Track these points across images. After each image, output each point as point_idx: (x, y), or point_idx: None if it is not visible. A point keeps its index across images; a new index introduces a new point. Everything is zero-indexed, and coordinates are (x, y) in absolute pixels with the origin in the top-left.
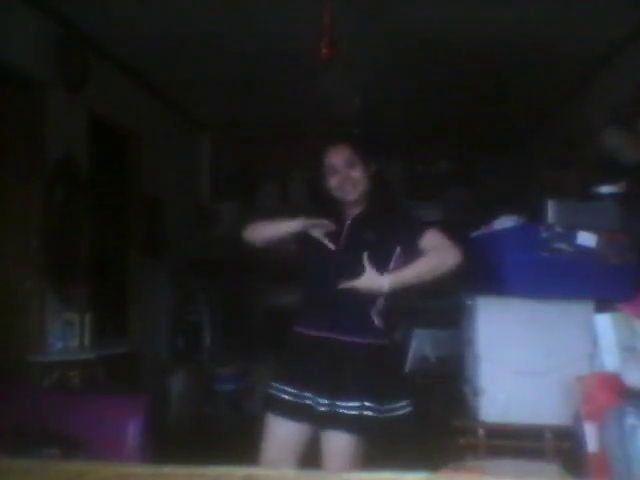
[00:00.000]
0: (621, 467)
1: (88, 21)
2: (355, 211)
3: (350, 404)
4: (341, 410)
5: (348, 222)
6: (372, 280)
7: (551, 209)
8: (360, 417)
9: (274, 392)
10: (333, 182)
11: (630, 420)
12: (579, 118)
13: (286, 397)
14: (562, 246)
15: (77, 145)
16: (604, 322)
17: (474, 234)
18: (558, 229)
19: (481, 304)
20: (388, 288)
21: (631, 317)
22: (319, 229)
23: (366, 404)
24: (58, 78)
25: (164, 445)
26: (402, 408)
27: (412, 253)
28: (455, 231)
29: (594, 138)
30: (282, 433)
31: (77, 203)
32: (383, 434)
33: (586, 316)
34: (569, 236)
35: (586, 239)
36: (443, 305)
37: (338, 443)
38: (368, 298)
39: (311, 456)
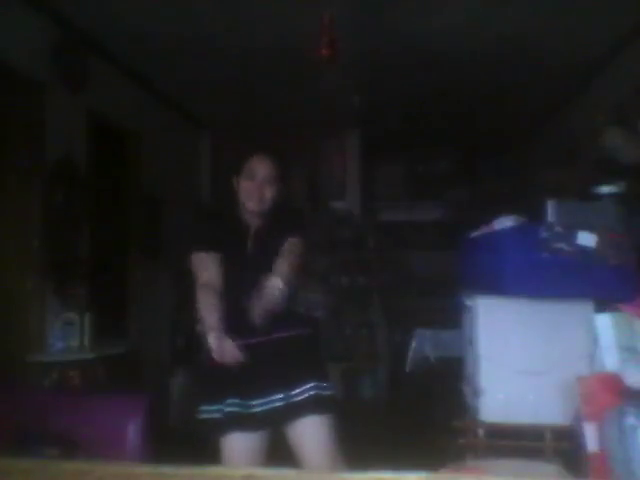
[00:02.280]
0: (621, 467)
1: (88, 21)
2: (258, 221)
3: (304, 388)
4: (298, 397)
5: (251, 233)
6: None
7: (551, 209)
8: (317, 396)
9: (219, 415)
10: (246, 187)
11: (630, 420)
12: (579, 118)
13: (237, 409)
14: (562, 246)
15: (77, 145)
16: (604, 322)
17: (474, 234)
18: (558, 229)
19: (481, 304)
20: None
21: (631, 317)
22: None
23: (317, 384)
24: (58, 78)
25: (164, 445)
26: (332, 388)
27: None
28: (455, 231)
29: (594, 138)
30: (245, 448)
31: (77, 203)
32: (338, 410)
33: (586, 316)
34: (569, 236)
35: (586, 239)
36: (443, 305)
37: (310, 428)
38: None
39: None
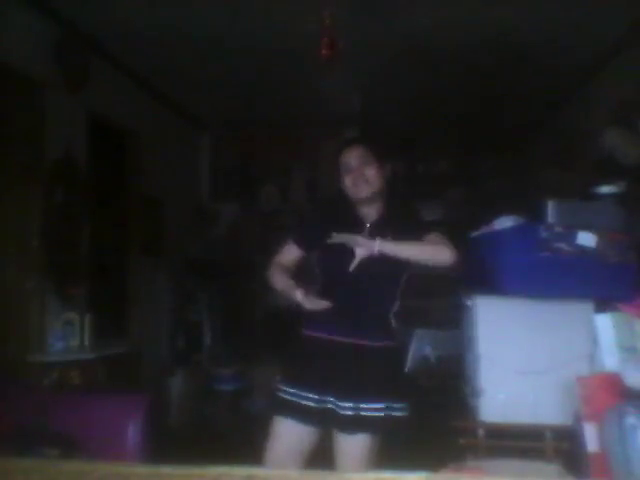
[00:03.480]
0: (621, 467)
1: (88, 21)
2: (372, 213)
3: (375, 406)
4: (365, 412)
5: (367, 226)
6: (366, 244)
7: (551, 209)
8: (386, 418)
9: (289, 397)
10: (347, 180)
11: (630, 420)
12: (579, 118)
13: (306, 403)
14: (562, 246)
15: (77, 145)
16: (604, 322)
17: (474, 234)
18: (558, 229)
19: (481, 304)
20: (378, 250)
21: (631, 317)
22: (313, 305)
23: (392, 405)
24: (58, 78)
25: (164, 445)
26: (406, 409)
27: None
28: (455, 231)
29: (594, 138)
30: (294, 436)
31: (77, 203)
32: (400, 433)
33: (586, 316)
34: (569, 236)
35: (586, 239)
36: (443, 305)
37: (358, 445)
38: (388, 301)
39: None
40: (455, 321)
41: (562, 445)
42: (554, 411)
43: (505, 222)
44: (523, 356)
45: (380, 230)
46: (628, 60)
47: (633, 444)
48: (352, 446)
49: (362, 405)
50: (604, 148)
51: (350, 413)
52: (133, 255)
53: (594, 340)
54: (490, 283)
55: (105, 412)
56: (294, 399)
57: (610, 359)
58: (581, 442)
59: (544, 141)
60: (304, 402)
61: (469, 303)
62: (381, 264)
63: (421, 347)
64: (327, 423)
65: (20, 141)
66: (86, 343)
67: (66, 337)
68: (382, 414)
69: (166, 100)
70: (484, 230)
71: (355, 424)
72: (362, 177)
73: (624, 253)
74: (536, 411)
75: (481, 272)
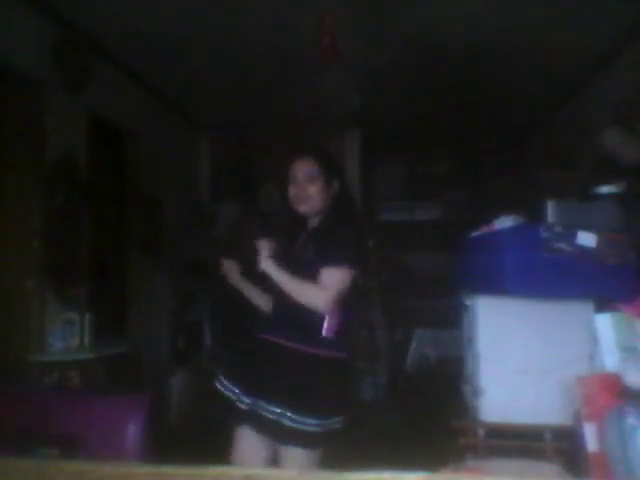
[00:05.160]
0: (621, 467)
1: (88, 21)
2: (314, 222)
3: (303, 420)
4: (292, 424)
5: (303, 234)
6: (261, 256)
7: (551, 209)
8: (313, 432)
9: (228, 394)
10: (291, 192)
11: (630, 420)
12: (579, 118)
13: (242, 406)
14: (562, 246)
15: (77, 145)
16: (604, 322)
17: (474, 234)
18: (558, 229)
19: (481, 304)
20: (261, 268)
21: (631, 317)
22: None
23: (319, 422)
24: (58, 78)
25: (164, 445)
26: (338, 423)
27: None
28: (455, 231)
29: (594, 138)
30: (245, 442)
31: (77, 203)
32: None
33: (586, 316)
34: (569, 236)
35: (586, 239)
36: (443, 305)
37: (293, 460)
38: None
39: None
40: (455, 321)
41: (562, 445)
42: (554, 411)
43: (505, 222)
44: (523, 356)
45: (309, 242)
46: (628, 60)
47: (633, 444)
48: (290, 463)
49: (287, 414)
50: (604, 148)
51: (272, 417)
52: (133, 255)
53: (594, 340)
54: (490, 283)
55: (105, 412)
56: (232, 398)
57: (610, 359)
58: (581, 442)
59: (544, 141)
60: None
61: (469, 303)
62: (300, 274)
63: (421, 347)
64: (256, 427)
65: (20, 141)
66: (86, 343)
67: (66, 337)
68: (310, 428)
69: (166, 100)
70: (484, 230)
71: (283, 433)
72: (305, 192)
73: (624, 253)
74: (536, 411)
75: (481, 272)
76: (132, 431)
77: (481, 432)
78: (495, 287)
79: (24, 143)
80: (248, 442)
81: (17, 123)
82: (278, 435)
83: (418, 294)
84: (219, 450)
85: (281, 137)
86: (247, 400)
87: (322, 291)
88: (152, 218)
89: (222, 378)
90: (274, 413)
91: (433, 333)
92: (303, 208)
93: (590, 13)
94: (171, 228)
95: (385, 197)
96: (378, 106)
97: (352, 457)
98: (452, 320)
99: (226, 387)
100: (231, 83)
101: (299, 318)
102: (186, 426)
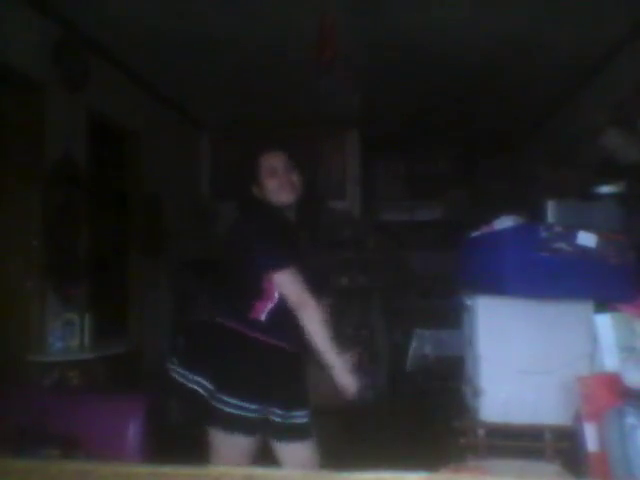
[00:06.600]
0: (621, 467)
1: (88, 21)
2: (290, 216)
3: (303, 412)
4: (297, 420)
5: (295, 227)
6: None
7: (551, 209)
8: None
9: (254, 415)
10: (272, 184)
11: (630, 420)
12: (579, 118)
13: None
14: (562, 246)
15: (77, 145)
16: (604, 322)
17: (474, 234)
18: (558, 229)
19: (481, 304)
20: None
21: (631, 317)
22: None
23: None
24: (58, 78)
25: (164, 445)
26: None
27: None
28: (455, 231)
29: (594, 138)
30: (246, 451)
31: (77, 203)
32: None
33: (586, 316)
34: (569, 236)
35: (586, 239)
36: (443, 305)
37: (298, 454)
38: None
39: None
40: (455, 321)
41: (562, 445)
42: (554, 411)
43: (505, 222)
44: (523, 356)
45: (301, 234)
46: (628, 60)
47: (633, 444)
48: (296, 457)
49: (291, 412)
50: (604, 148)
51: (280, 420)
52: (133, 255)
53: (594, 340)
54: (490, 283)
55: (105, 412)
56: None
57: (610, 359)
58: (581, 442)
59: (544, 141)
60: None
61: (469, 303)
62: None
63: (421, 347)
64: (263, 431)
65: (20, 141)
66: (86, 343)
67: (66, 337)
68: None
69: (166, 100)
70: (484, 230)
71: (288, 430)
72: (289, 182)
73: (624, 253)
74: (536, 411)
75: (481, 272)
76: (132, 431)
77: (481, 432)
78: (495, 287)
79: (24, 143)
80: (249, 446)
81: (17, 123)
82: (211, 419)
83: (418, 294)
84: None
85: (281, 137)
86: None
87: (305, 307)
88: (152, 218)
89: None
90: (206, 390)
91: (433, 333)
92: (289, 198)
93: (590, 13)
94: (171, 228)
95: (385, 197)
96: (378, 106)
97: (352, 457)
98: (452, 320)
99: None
100: (231, 83)
101: (233, 299)
102: (186, 426)
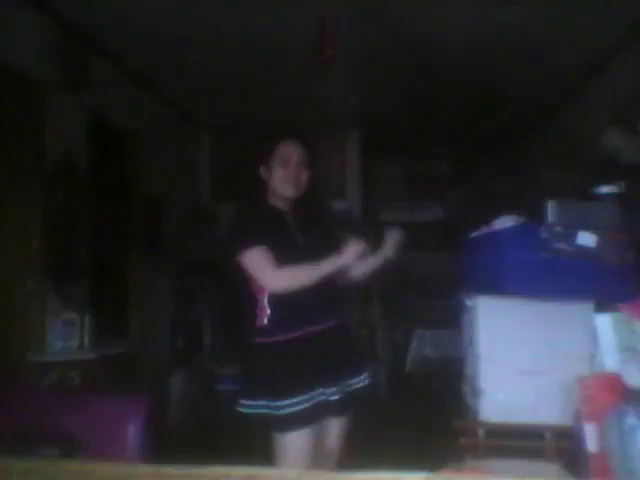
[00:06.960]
0: (621, 467)
1: (88, 21)
2: (291, 209)
3: (360, 378)
4: (353, 388)
5: (291, 217)
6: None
7: (551, 209)
8: (366, 387)
9: (285, 411)
10: (280, 174)
11: (630, 420)
12: (579, 118)
13: (302, 406)
14: (562, 246)
15: (77, 145)
16: (604, 322)
17: (474, 234)
18: (558, 229)
19: (481, 304)
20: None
21: (631, 317)
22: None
23: (366, 374)
24: (58, 78)
25: (164, 445)
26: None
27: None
28: (455, 231)
29: (594, 138)
30: (308, 444)
31: (77, 203)
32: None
33: (586, 316)
34: (569, 236)
35: (586, 239)
36: (443, 305)
37: (342, 424)
38: (336, 284)
39: None
40: (455, 321)
41: (562, 445)
42: (554, 411)
43: (505, 222)
44: (523, 356)
45: (307, 224)
46: (628, 60)
47: (633, 444)
48: (338, 428)
49: (348, 381)
50: (604, 148)
51: (338, 397)
52: (133, 255)
53: (594, 340)
54: (490, 283)
55: (105, 412)
56: (293, 409)
57: (610, 359)
58: (581, 442)
59: (544, 141)
60: (302, 406)
61: (469, 303)
62: (323, 251)
63: (421, 347)
64: (323, 413)
65: (20, 141)
66: (86, 343)
67: (66, 337)
68: (367, 382)
69: (166, 100)
70: (484, 230)
71: (344, 404)
72: (296, 177)
73: (624, 253)
74: (536, 411)
75: (481, 272)
76: (132, 431)
77: (481, 432)
78: (495, 287)
79: (24, 143)
80: (310, 442)
81: (17, 123)
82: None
83: (418, 294)
84: (219, 450)
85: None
86: (333, 390)
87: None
88: (152, 218)
89: (290, 395)
90: (361, 380)
91: (433, 333)
92: (291, 192)
93: (590, 14)
94: (171, 228)
95: (385, 197)
96: (378, 106)
97: (352, 457)
98: (452, 320)
99: (303, 401)
100: (231, 84)
101: (329, 298)
102: (186, 426)
